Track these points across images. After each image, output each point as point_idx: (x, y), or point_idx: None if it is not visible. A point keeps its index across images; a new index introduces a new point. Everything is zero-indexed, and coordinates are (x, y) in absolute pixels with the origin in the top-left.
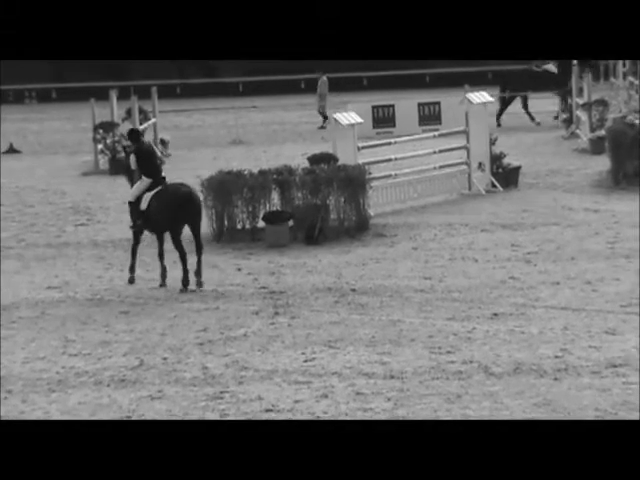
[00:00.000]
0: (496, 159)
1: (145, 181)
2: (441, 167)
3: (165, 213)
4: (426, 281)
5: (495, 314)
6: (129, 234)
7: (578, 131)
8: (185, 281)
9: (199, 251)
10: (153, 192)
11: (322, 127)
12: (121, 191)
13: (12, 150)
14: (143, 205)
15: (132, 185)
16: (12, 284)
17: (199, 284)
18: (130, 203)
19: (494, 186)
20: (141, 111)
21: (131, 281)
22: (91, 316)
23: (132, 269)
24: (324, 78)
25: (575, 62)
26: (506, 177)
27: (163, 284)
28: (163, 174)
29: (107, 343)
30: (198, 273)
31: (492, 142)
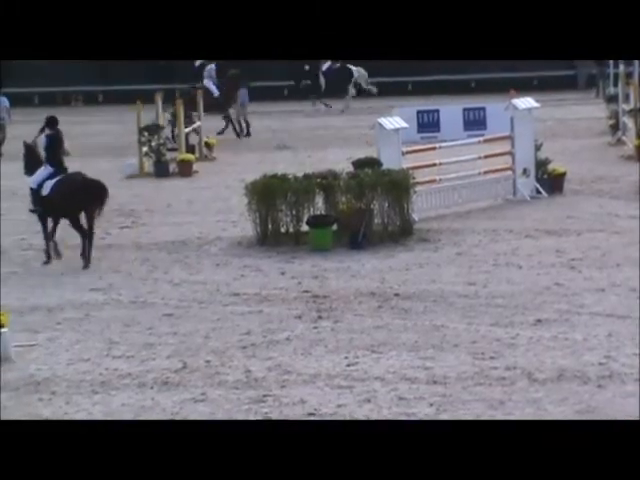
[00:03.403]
0: (541, 165)
1: (48, 169)
2: (486, 172)
3: (67, 200)
4: (470, 287)
5: (539, 320)
6: (174, 237)
7: (624, 138)
8: (86, 258)
9: (90, 236)
10: (55, 180)
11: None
12: (166, 194)
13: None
14: (44, 191)
15: (27, 171)
16: (57, 286)
17: (86, 266)
18: (32, 189)
19: (539, 192)
20: (186, 114)
21: (46, 263)
22: (135, 318)
23: (47, 253)
24: (244, 89)
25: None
26: (551, 183)
27: (48, 261)
28: (65, 164)
29: (151, 345)
30: (85, 255)
31: (537, 148)
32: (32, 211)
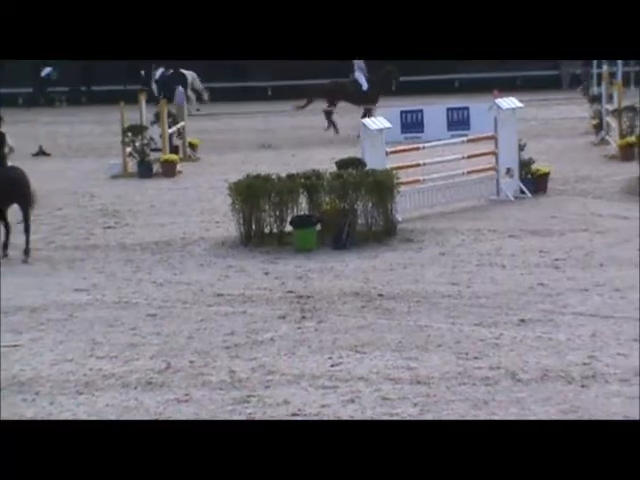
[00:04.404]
0: (525, 165)
1: None
2: (469, 173)
3: None
4: (453, 287)
5: (523, 320)
6: (157, 237)
7: (608, 137)
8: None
9: (27, 231)
10: None
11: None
12: (150, 194)
13: (42, 153)
14: None
15: None
16: (41, 286)
17: (25, 261)
18: None
19: (523, 192)
20: (170, 114)
21: None
22: (118, 319)
23: None
24: (180, 89)
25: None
26: (535, 183)
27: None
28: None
29: (134, 346)
30: (26, 251)
31: (521, 148)
32: None
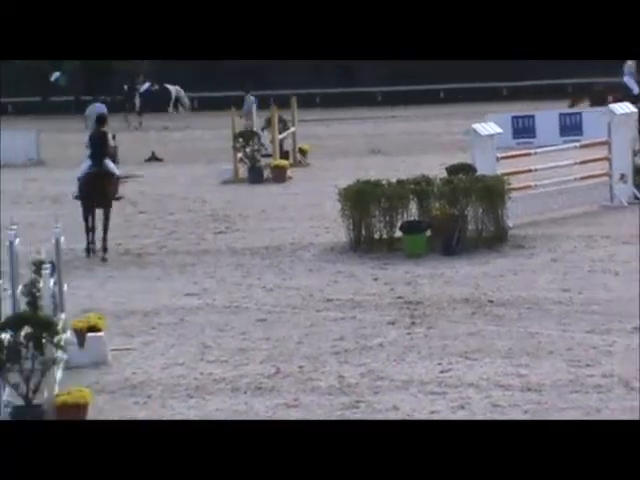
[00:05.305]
0: (639, 170)
1: (87, 163)
2: (582, 178)
3: (80, 192)
4: (565, 293)
5: (636, 328)
6: (267, 242)
7: None
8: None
9: (104, 229)
10: (84, 174)
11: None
12: (260, 199)
13: (154, 158)
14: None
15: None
16: (153, 290)
17: (104, 258)
18: (77, 178)
19: (637, 198)
20: (280, 120)
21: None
22: (229, 323)
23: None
24: (250, 97)
25: None
26: None
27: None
28: None
29: (244, 350)
30: (104, 249)
31: (635, 153)
32: (75, 197)
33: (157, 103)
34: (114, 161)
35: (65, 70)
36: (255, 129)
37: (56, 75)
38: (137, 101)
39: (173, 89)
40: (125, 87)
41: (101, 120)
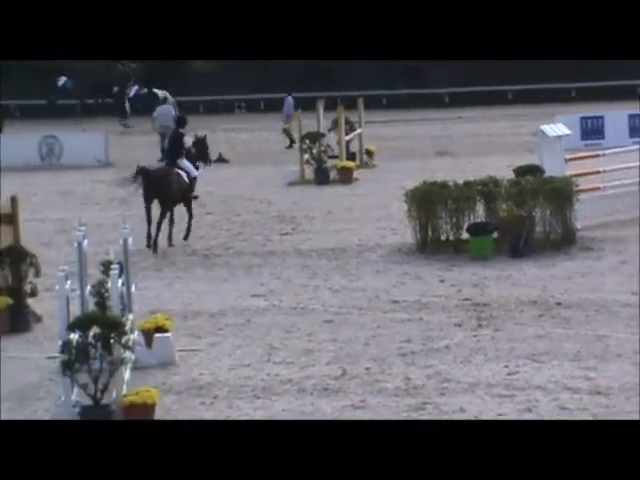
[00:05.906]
0: None
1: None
2: None
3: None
4: (634, 296)
5: None
6: (334, 243)
7: None
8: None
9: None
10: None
11: (289, 147)
12: (326, 201)
13: (221, 159)
14: None
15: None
16: (220, 291)
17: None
18: None
19: None
20: (347, 122)
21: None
22: (295, 324)
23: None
24: (290, 99)
25: None
26: None
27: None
28: None
29: (310, 352)
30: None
31: None
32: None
33: (145, 106)
34: (204, 161)
35: (71, 75)
36: (321, 130)
37: (63, 79)
38: (127, 105)
39: (161, 93)
40: (115, 89)
41: (180, 122)
